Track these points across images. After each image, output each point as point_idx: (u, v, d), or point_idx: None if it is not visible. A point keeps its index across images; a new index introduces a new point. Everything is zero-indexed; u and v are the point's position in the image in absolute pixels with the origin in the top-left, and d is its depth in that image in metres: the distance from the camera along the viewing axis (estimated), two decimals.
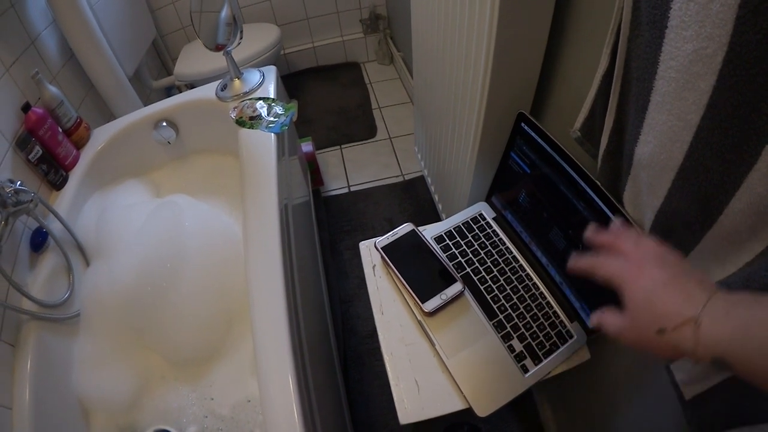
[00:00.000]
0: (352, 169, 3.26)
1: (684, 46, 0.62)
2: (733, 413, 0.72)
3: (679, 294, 0.58)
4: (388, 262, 1.31)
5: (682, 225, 0.74)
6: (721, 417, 0.74)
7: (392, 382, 1.17)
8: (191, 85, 2.96)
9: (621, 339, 0.65)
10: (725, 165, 0.63)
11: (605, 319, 0.68)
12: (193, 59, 3.17)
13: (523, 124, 1.21)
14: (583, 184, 1.04)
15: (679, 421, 1.05)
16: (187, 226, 1.73)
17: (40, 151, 1.67)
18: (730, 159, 0.62)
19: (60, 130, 1.81)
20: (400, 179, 3.12)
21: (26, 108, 1.67)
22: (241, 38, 1.86)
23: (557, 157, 1.11)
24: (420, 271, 1.29)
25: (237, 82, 2.06)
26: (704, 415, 0.78)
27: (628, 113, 0.83)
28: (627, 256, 0.68)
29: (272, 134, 1.79)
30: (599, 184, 1.00)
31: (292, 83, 4.04)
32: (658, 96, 0.71)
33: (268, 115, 1.86)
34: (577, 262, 0.73)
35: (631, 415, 1.29)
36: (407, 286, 1.26)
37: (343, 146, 3.44)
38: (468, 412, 1.13)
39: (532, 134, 1.18)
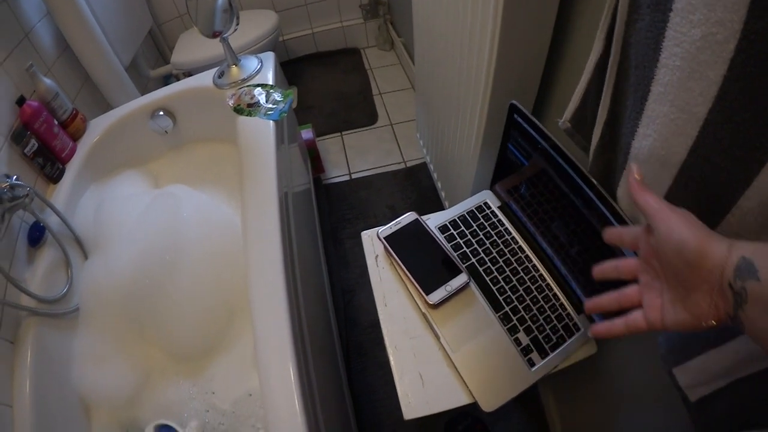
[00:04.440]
0: (353, 156, 3.24)
1: (691, 32, 0.58)
2: (740, 416, 0.70)
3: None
4: (391, 252, 1.28)
5: None
6: (727, 419, 0.72)
7: (396, 377, 1.14)
8: (189, 74, 2.94)
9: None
10: (734, 162, 0.60)
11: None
12: (191, 47, 3.16)
13: (515, 116, 1.17)
14: (578, 179, 1.00)
15: (683, 419, 1.03)
16: (186, 217, 1.71)
17: (36, 145, 1.65)
18: (740, 155, 0.59)
19: (56, 122, 1.79)
20: (402, 166, 3.11)
21: (21, 101, 1.65)
22: (237, 24, 1.83)
23: (551, 151, 1.07)
24: (424, 262, 1.26)
25: (234, 68, 2.03)
26: (710, 417, 0.76)
27: (625, 104, 0.79)
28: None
29: (271, 121, 1.76)
30: (594, 181, 0.96)
31: (291, 70, 4.02)
32: (660, 86, 0.66)
33: (266, 102, 1.83)
34: (610, 233, 0.79)
35: (637, 410, 1.27)
36: (411, 277, 1.23)
37: (343, 133, 3.43)
38: (471, 404, 1.11)
39: (526, 127, 1.13)
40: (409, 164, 3.11)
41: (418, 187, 2.92)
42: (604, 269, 0.80)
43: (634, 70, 0.73)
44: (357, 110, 3.57)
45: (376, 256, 1.35)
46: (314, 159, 2.91)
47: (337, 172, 3.15)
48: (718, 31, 0.54)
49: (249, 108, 1.82)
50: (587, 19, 1.10)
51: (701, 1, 0.55)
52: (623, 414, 1.34)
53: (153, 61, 3.40)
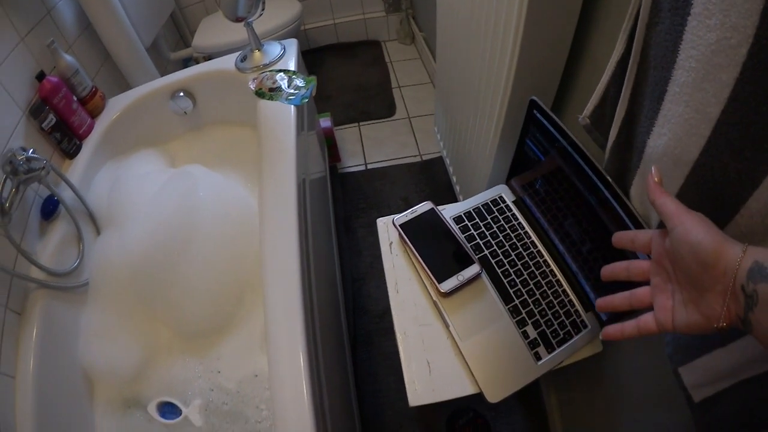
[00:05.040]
0: (370, 147, 3.25)
1: (707, 36, 0.59)
2: (743, 417, 0.70)
3: None
4: (406, 239, 1.28)
5: None
6: (729, 420, 0.73)
7: (404, 363, 1.15)
8: (209, 57, 2.95)
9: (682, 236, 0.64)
10: (744, 162, 0.60)
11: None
12: (212, 31, 3.16)
13: (535, 112, 1.18)
14: (593, 177, 1.01)
15: (684, 421, 1.03)
16: (201, 197, 1.72)
17: (54, 120, 1.67)
18: (750, 156, 0.59)
19: (75, 98, 1.81)
20: (418, 159, 3.11)
21: (41, 77, 1.67)
22: (263, 9, 1.83)
23: (569, 148, 1.07)
24: (437, 251, 1.27)
25: (257, 53, 2.04)
26: (713, 418, 0.76)
27: (642, 103, 0.80)
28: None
29: (292, 107, 1.76)
30: (610, 179, 0.97)
31: (311, 59, 4.04)
32: (676, 86, 0.67)
33: (288, 87, 1.84)
34: (621, 237, 0.82)
35: (637, 411, 1.27)
36: (424, 265, 1.23)
37: (361, 123, 3.43)
38: (474, 397, 1.11)
39: (545, 122, 1.14)
40: (425, 157, 3.11)
41: (432, 181, 2.92)
42: (614, 270, 0.83)
43: (652, 71, 0.74)
44: (375, 102, 3.57)
45: (391, 243, 1.36)
46: (331, 147, 2.91)
47: (353, 162, 3.15)
48: (731, 36, 0.55)
49: (270, 92, 1.82)
50: (609, 20, 1.10)
51: (717, 7, 0.56)
52: (624, 414, 1.34)
53: (173, 44, 3.42)
